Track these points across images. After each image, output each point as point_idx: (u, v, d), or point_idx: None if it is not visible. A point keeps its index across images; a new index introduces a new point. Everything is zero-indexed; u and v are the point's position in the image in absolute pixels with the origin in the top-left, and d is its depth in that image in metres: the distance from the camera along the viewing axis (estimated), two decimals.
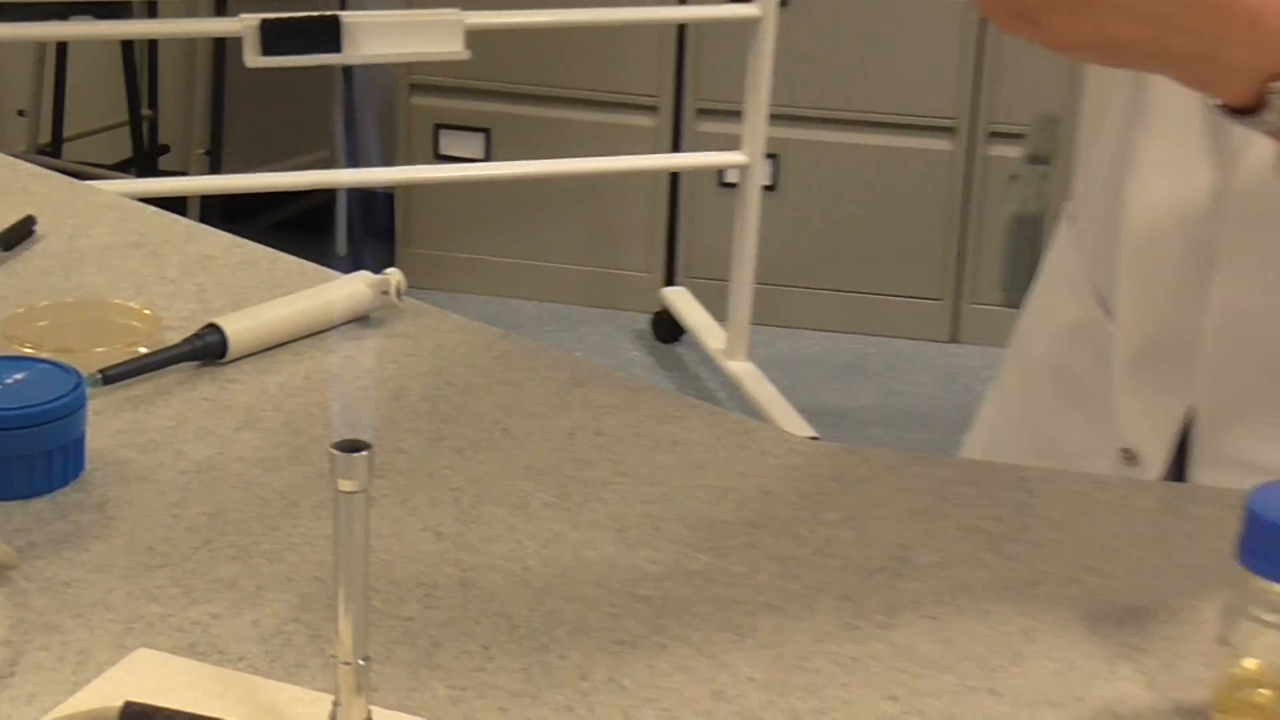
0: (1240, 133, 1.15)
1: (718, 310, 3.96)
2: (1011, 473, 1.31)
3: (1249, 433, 1.34)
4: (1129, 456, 1.38)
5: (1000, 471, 1.31)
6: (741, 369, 3.82)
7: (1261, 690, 1.03)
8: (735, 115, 3.66)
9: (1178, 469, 1.37)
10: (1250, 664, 1.03)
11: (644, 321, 4.25)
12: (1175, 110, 1.26)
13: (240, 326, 1.38)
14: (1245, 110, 1.10)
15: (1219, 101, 1.12)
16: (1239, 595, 1.02)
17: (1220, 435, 1.35)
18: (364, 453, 0.86)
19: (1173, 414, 1.36)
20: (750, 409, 3.67)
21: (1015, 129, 4.04)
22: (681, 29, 4.10)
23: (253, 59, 3.16)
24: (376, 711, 0.94)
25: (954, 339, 4.25)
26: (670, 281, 4.27)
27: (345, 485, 0.87)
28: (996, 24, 1.08)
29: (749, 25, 3.54)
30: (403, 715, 0.99)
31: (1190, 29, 1.06)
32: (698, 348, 4.06)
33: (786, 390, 3.77)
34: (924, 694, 1.05)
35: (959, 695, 1.05)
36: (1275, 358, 1.32)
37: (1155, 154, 1.33)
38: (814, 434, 3.51)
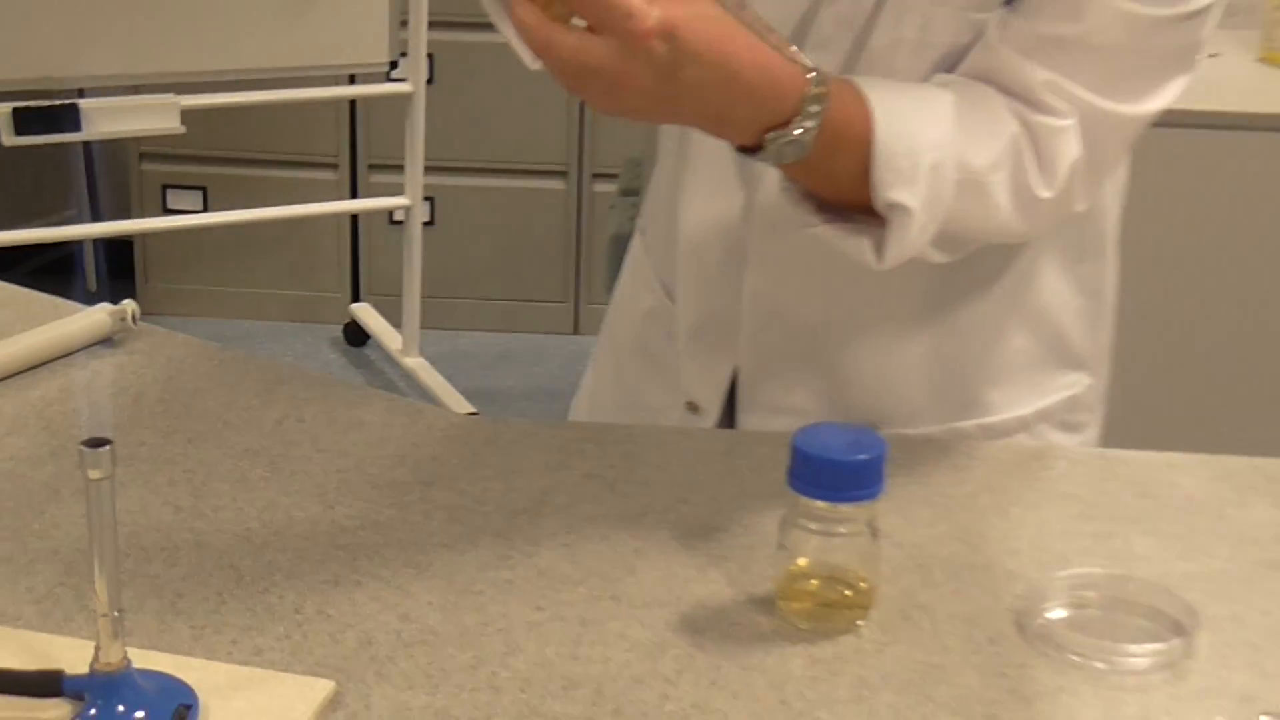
0: (758, 164, 1.17)
1: (394, 318, 3.95)
2: (621, 431, 1.32)
3: (777, 384, 1.37)
4: (693, 407, 1.40)
5: (613, 430, 1.32)
6: (415, 363, 3.82)
7: (811, 580, 1.06)
8: (399, 168, 3.66)
9: (729, 415, 1.40)
10: (802, 562, 1.05)
11: (337, 331, 4.22)
12: (711, 148, 1.28)
13: (2, 353, 1.34)
14: (753, 150, 1.13)
15: (735, 145, 1.14)
16: (790, 511, 1.04)
17: (757, 387, 1.38)
18: (107, 447, 0.84)
19: (722, 373, 1.38)
20: (424, 394, 3.67)
21: (611, 170, 4.11)
22: (353, 103, 4.07)
23: (9, 139, 3.07)
24: (132, 652, 0.91)
25: (576, 331, 4.29)
26: (356, 299, 4.25)
27: (94, 474, 0.85)
28: (568, 90, 1.09)
29: (405, 98, 3.55)
30: (154, 653, 0.96)
31: (705, 100, 1.09)
32: (380, 349, 4.04)
33: (451, 378, 3.77)
34: (563, 603, 1.06)
35: (589, 602, 1.06)
36: (792, 329, 1.35)
37: (698, 181, 1.36)
38: (473, 410, 3.51)
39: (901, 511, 1.20)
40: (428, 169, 3.68)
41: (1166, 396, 2.79)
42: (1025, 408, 1.38)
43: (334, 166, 4.15)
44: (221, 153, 4.08)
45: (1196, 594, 1.10)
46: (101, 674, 0.89)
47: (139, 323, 1.43)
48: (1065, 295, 1.38)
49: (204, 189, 4.14)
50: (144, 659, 0.93)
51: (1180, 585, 1.11)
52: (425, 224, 3.89)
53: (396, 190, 3.69)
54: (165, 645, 0.99)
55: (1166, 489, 1.27)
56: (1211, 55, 3.09)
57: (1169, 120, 2.84)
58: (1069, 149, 1.18)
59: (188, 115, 3.21)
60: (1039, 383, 1.39)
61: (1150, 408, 2.79)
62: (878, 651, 1.02)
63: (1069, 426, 1.42)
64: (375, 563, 1.10)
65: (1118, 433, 1.49)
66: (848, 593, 1.05)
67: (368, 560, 1.10)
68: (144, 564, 1.08)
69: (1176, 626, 1.07)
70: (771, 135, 1.11)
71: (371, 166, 4.16)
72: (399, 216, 3.81)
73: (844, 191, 1.16)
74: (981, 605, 1.09)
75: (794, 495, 1.02)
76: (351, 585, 1.07)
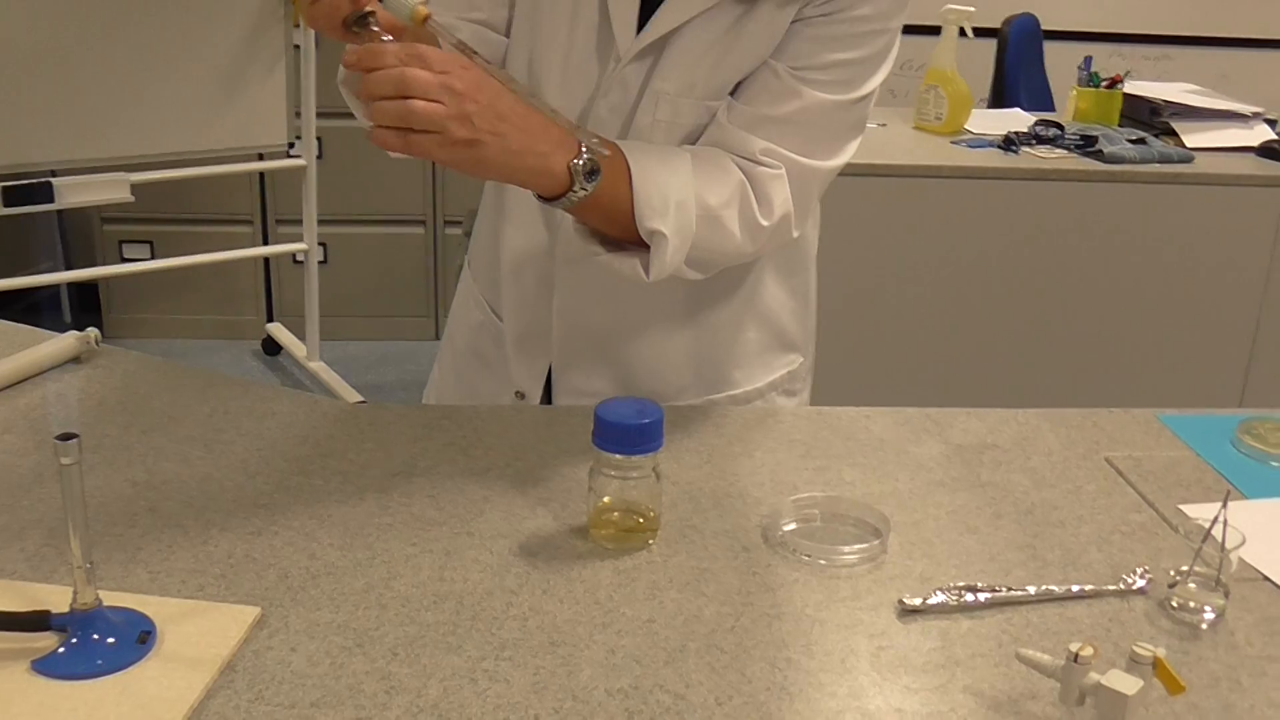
0: (558, 211, 1.15)
1: (299, 333, 3.87)
2: (470, 410, 1.30)
3: (581, 374, 1.35)
4: (520, 395, 1.38)
5: (463, 410, 1.30)
6: (316, 366, 3.73)
7: (614, 513, 1.05)
8: (298, 221, 3.58)
9: (547, 398, 1.39)
10: (606, 500, 1.05)
11: (256, 344, 4.11)
12: (523, 199, 1.28)
13: None
14: (553, 199, 1.12)
15: (537, 195, 1.14)
16: (596, 463, 1.03)
17: (567, 377, 1.37)
18: (75, 440, 0.81)
19: (540, 368, 1.36)
20: (323, 390, 3.58)
21: (457, 218, 4.08)
22: (262, 174, 3.97)
23: (1, 210, 2.94)
24: (103, 593, 0.89)
25: (436, 338, 4.23)
26: (270, 320, 4.14)
27: (65, 460, 0.81)
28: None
29: (301, 169, 3.47)
30: (120, 593, 0.93)
31: (507, 152, 1.06)
32: (290, 357, 3.94)
33: (344, 376, 3.69)
34: (430, 539, 1.04)
35: (450, 538, 1.04)
36: (590, 333, 1.34)
37: (514, 225, 1.34)
38: (361, 400, 3.44)
39: (677, 459, 1.20)
40: (321, 221, 3.62)
41: (860, 368, 2.84)
42: (759, 382, 1.39)
43: (250, 222, 4.05)
44: (164, 214, 3.97)
45: (888, 507, 1.12)
46: (79, 611, 0.87)
47: (101, 344, 1.38)
48: (783, 299, 1.39)
49: (151, 242, 4.02)
50: (112, 598, 0.91)
51: (876, 501, 1.13)
52: (320, 263, 3.82)
53: (297, 238, 3.61)
54: (129, 587, 0.95)
55: (863, 433, 1.28)
56: (880, 125, 3.16)
57: (853, 172, 2.91)
58: (781, 191, 1.20)
59: (137, 187, 3.12)
60: (768, 363, 1.40)
61: (848, 376, 2.83)
62: (664, 561, 1.02)
63: (789, 393, 1.43)
64: (288, 516, 1.07)
65: (828, 394, 1.51)
66: (641, 520, 1.05)
67: (282, 515, 1.07)
68: (110, 526, 1.04)
69: (875, 531, 1.08)
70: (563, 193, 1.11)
71: (278, 221, 4.06)
72: (300, 258, 3.73)
73: (617, 227, 1.16)
74: (737, 524, 1.09)
75: (598, 451, 1.02)
76: (270, 534, 1.04)
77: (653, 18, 1.18)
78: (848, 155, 1.24)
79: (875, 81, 1.21)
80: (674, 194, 1.14)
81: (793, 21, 1.18)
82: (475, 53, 1.04)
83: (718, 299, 1.34)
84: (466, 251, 1.51)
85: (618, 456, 1.01)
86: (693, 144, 1.22)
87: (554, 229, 1.30)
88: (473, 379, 1.45)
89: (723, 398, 1.37)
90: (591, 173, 1.10)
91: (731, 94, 1.21)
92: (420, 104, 0.99)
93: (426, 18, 1.01)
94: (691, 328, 1.31)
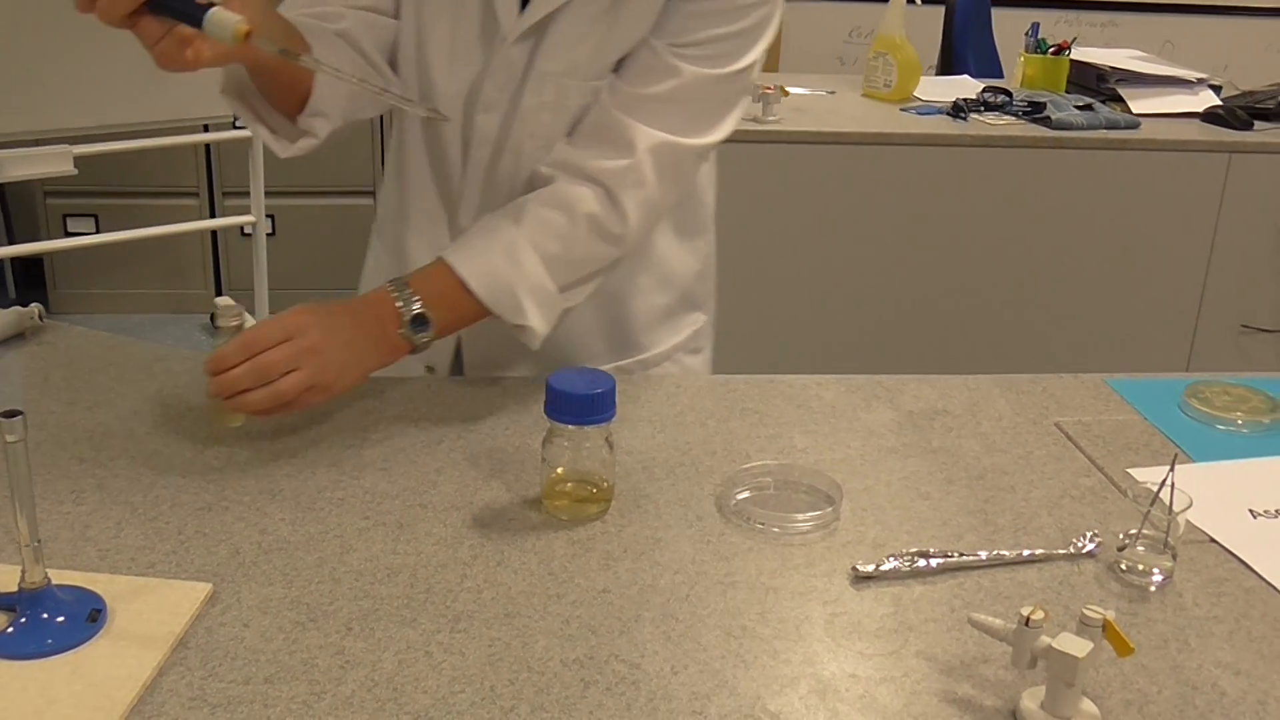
0: (463, 204, 1.23)
1: (248, 307, 3.83)
2: (420, 382, 1.29)
3: (492, 346, 1.34)
4: (430, 370, 1.38)
5: (414, 382, 1.29)
6: None
7: (567, 483, 1.05)
8: (246, 193, 3.52)
9: (458, 370, 1.39)
10: (560, 471, 1.04)
11: (205, 319, 4.07)
12: (425, 196, 1.33)
13: None
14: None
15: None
16: (549, 434, 1.03)
17: (477, 350, 1.37)
18: (20, 417, 0.80)
19: (450, 341, 1.36)
20: None
21: None
22: (208, 146, 3.92)
23: None
24: (51, 571, 0.88)
25: None
26: (219, 293, 4.11)
27: (10, 438, 0.80)
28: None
29: (247, 141, 3.43)
30: (69, 571, 0.92)
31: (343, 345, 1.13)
32: (239, 332, 3.90)
33: None
34: (383, 512, 1.03)
35: (403, 510, 1.04)
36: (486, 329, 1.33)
37: (417, 224, 1.35)
38: None
39: (630, 429, 1.20)
40: (268, 193, 3.57)
41: (812, 335, 2.85)
42: (667, 344, 1.42)
43: (196, 194, 4.00)
44: (108, 187, 3.91)
45: (840, 474, 1.12)
46: (28, 590, 0.86)
47: (45, 320, 1.36)
48: (686, 263, 1.42)
49: (96, 215, 3.96)
50: (61, 577, 0.89)
51: (829, 468, 1.13)
52: (269, 235, 3.78)
53: (245, 210, 3.56)
54: (78, 565, 0.94)
55: (815, 401, 1.29)
56: (830, 92, 3.16)
57: (803, 140, 2.88)
58: (635, 195, 1.21)
59: (80, 160, 3.07)
60: (673, 325, 1.43)
61: (799, 343, 2.84)
62: (618, 531, 1.02)
63: (694, 351, 1.47)
64: (238, 491, 1.06)
65: (781, 363, 1.52)
66: (594, 490, 1.05)
67: (233, 490, 1.06)
68: (58, 504, 1.02)
69: (827, 498, 1.08)
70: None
71: (225, 193, 4.01)
72: (248, 230, 3.68)
73: (490, 316, 1.20)
74: (690, 493, 1.09)
75: (551, 421, 1.01)
76: (221, 509, 1.03)
77: None
78: (728, 129, 1.26)
79: (754, 55, 1.24)
80: (522, 281, 1.18)
81: (670, 0, 1.20)
82: (299, 56, 1.05)
83: (626, 274, 1.36)
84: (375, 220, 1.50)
85: (570, 427, 1.01)
86: (539, 192, 1.22)
87: (456, 227, 1.31)
88: None
89: (633, 362, 1.40)
90: (418, 323, 1.15)
91: (615, 72, 1.23)
92: (284, 385, 1.07)
93: (248, 34, 1.01)
94: (598, 297, 1.33)
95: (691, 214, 1.40)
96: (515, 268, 1.17)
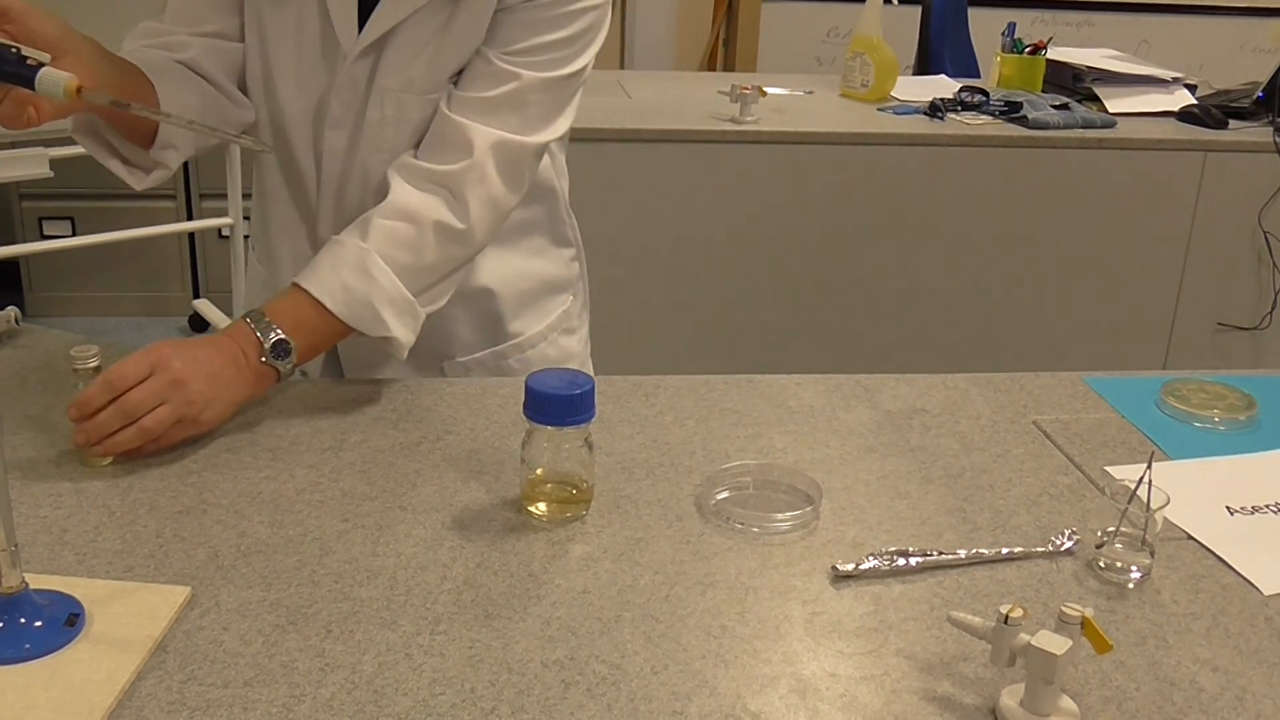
0: (321, 215, 1.28)
1: (226, 309, 3.82)
2: (399, 384, 1.29)
3: (362, 348, 1.33)
4: (302, 373, 1.39)
5: (394, 384, 1.29)
6: None
7: (547, 485, 1.05)
8: (223, 195, 3.52)
9: (337, 372, 1.41)
10: (539, 472, 1.04)
11: (184, 321, 4.04)
12: (287, 212, 1.37)
13: None
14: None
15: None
16: (528, 435, 1.03)
17: (350, 350, 1.39)
18: None
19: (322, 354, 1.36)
20: None
21: None
22: None
23: None
24: (29, 576, 0.87)
25: None
26: (197, 296, 4.08)
27: None
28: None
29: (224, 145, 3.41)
30: (46, 576, 0.91)
31: (238, 401, 1.16)
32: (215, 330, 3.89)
33: None
34: (363, 514, 1.03)
35: (383, 512, 1.04)
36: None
37: (282, 233, 1.38)
38: None
39: (609, 429, 1.20)
40: (245, 195, 3.56)
41: (791, 335, 2.85)
42: (539, 326, 1.45)
43: (173, 197, 3.98)
44: (85, 189, 3.88)
45: (819, 473, 1.12)
46: (5, 595, 0.86)
47: (22, 323, 1.35)
48: (549, 251, 1.46)
49: (71, 218, 3.94)
50: (39, 581, 0.89)
51: (808, 468, 1.14)
52: (246, 237, 3.77)
53: (222, 213, 3.55)
54: (55, 569, 0.94)
55: (794, 400, 1.29)
56: (808, 92, 3.16)
57: (782, 140, 2.89)
58: (477, 191, 1.24)
59: (56, 162, 3.06)
60: (542, 308, 1.46)
61: (778, 344, 2.85)
62: (598, 532, 1.02)
63: (568, 331, 1.50)
64: (217, 494, 1.05)
65: (763, 365, 1.51)
66: (574, 492, 1.05)
67: (211, 493, 1.05)
68: (35, 508, 1.02)
69: (807, 498, 1.09)
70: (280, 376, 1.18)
71: (202, 195, 4.00)
72: (225, 232, 3.67)
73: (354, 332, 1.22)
74: (670, 493, 1.09)
75: (530, 423, 1.01)
76: (199, 513, 1.02)
77: (370, 18, 1.24)
78: (563, 128, 1.31)
79: (585, 59, 1.29)
80: (379, 293, 1.20)
81: (499, 10, 1.24)
82: (129, 105, 1.06)
83: (484, 263, 1.39)
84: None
85: (550, 428, 1.01)
86: (393, 208, 1.24)
87: (317, 243, 1.34)
88: None
89: (508, 347, 1.43)
90: (280, 350, 1.16)
91: (453, 83, 1.27)
92: (150, 421, 1.08)
93: (80, 89, 1.02)
94: (462, 291, 1.35)
95: (548, 208, 1.44)
96: (369, 282, 1.19)
